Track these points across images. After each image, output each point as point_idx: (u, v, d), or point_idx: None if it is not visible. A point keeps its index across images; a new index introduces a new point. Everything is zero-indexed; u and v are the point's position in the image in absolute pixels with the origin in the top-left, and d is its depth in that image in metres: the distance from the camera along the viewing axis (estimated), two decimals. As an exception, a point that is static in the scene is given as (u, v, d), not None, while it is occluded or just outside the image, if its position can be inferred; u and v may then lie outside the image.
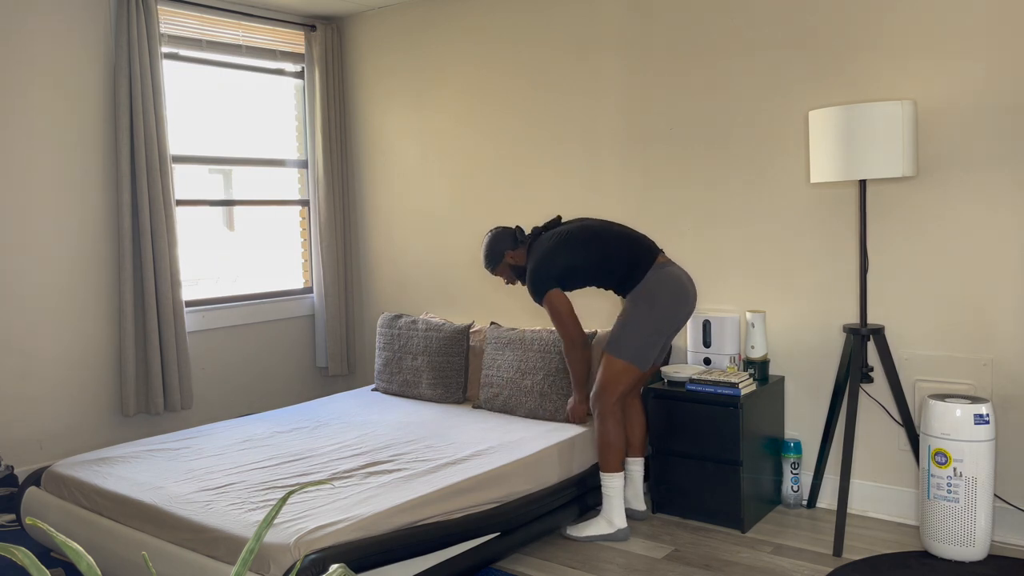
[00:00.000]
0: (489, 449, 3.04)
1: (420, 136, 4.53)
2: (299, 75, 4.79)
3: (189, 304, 4.21)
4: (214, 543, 2.34)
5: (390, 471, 2.78)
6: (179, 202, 4.18)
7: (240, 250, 4.56)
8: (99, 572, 0.95)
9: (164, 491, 2.66)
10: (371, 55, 4.70)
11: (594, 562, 2.86)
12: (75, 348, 3.79)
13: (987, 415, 2.67)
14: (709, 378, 3.16)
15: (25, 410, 3.64)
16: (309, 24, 4.67)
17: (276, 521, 2.37)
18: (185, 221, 4.29)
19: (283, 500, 1.16)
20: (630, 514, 3.23)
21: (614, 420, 3.02)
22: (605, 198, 3.85)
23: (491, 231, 3.32)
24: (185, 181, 4.31)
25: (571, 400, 3.33)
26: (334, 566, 1.22)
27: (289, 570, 2.19)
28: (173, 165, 4.12)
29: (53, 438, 3.73)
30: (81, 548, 0.95)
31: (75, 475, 2.87)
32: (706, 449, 3.16)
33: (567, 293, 3.65)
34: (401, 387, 4.00)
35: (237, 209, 4.55)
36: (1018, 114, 2.84)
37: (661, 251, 3.15)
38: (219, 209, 4.48)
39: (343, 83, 4.83)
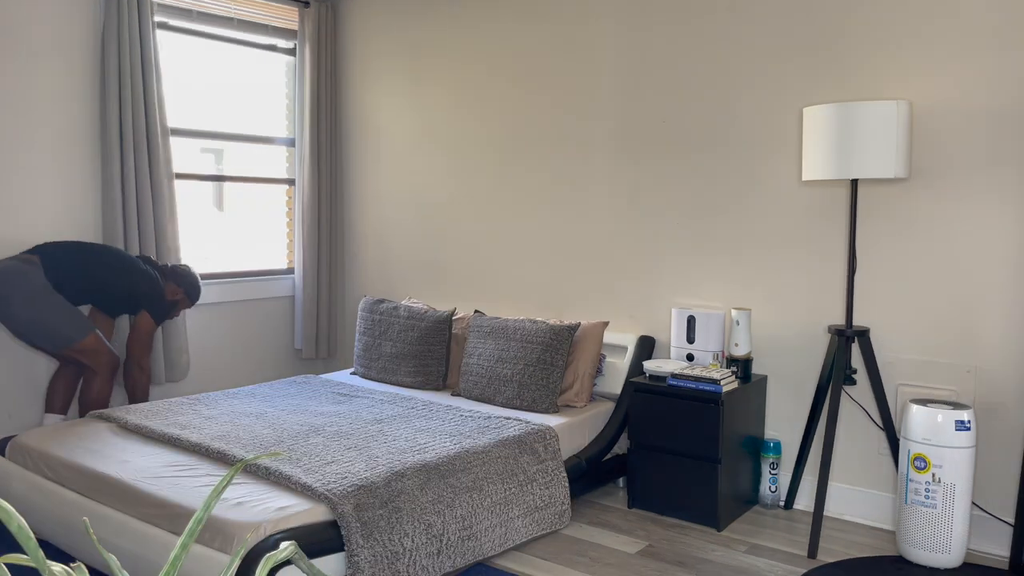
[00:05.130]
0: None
1: (412, 119, 4.48)
2: (291, 52, 4.72)
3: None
4: (177, 518, 2.29)
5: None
6: (178, 175, 4.12)
7: (229, 229, 4.49)
8: (31, 534, 0.90)
9: (130, 465, 2.61)
10: (365, 34, 4.64)
11: (566, 555, 2.82)
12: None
13: (968, 422, 2.64)
14: (691, 374, 3.13)
15: (-5, 379, 3.59)
16: (303, 0, 4.60)
17: (244, 500, 2.32)
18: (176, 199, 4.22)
19: (235, 470, 1.11)
20: None
21: None
22: (595, 188, 3.81)
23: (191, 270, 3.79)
24: (176, 159, 4.23)
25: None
26: (285, 543, 1.18)
27: (255, 549, 2.14)
28: (173, 138, 4.06)
29: (25, 409, 3.66)
30: (12, 508, 0.90)
31: (39, 446, 2.80)
32: (685, 445, 3.12)
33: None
34: (380, 373, 3.95)
35: (227, 188, 4.48)
36: (1012, 120, 2.81)
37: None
38: (209, 188, 4.42)
39: (335, 62, 4.77)
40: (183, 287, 3.75)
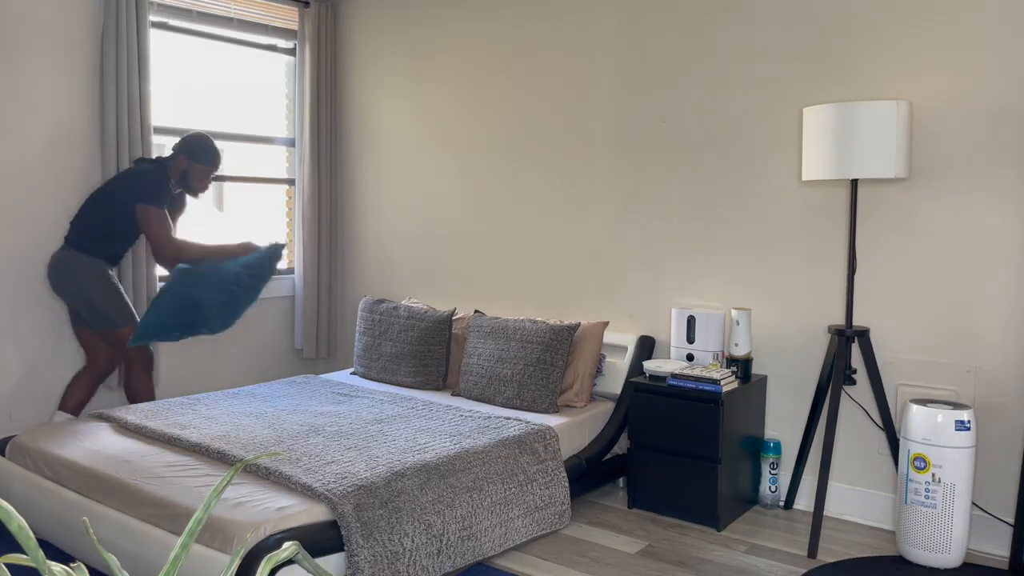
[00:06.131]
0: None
1: (412, 118, 4.47)
2: (291, 52, 4.72)
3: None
4: (177, 518, 2.29)
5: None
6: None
7: (229, 229, 4.50)
8: (31, 534, 0.90)
9: (130, 465, 2.61)
10: (365, 35, 4.64)
11: (566, 555, 2.82)
12: (53, 318, 3.71)
13: (968, 422, 2.64)
14: (691, 374, 3.13)
15: (-5, 379, 3.59)
16: (303, 0, 4.60)
17: (244, 500, 2.32)
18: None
19: (235, 470, 1.11)
20: None
21: None
22: (595, 188, 3.81)
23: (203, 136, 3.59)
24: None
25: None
26: (287, 544, 1.18)
27: (255, 548, 2.14)
28: (157, 137, 4.06)
29: (25, 409, 3.66)
30: (12, 508, 0.90)
31: (39, 446, 2.80)
32: (685, 445, 3.12)
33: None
34: (380, 373, 3.95)
35: (227, 188, 4.48)
36: (1012, 120, 2.81)
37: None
38: (209, 188, 4.40)
39: (335, 62, 4.77)
40: (185, 152, 3.53)
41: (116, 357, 3.55)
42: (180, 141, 3.57)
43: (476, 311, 3.94)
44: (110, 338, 3.44)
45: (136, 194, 3.41)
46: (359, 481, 2.43)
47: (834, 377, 2.93)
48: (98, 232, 3.43)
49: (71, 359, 3.81)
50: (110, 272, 3.46)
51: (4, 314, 3.58)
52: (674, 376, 3.17)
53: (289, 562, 2.11)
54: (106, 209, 3.44)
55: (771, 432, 3.39)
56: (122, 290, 3.49)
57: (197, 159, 3.55)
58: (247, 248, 3.54)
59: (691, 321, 3.40)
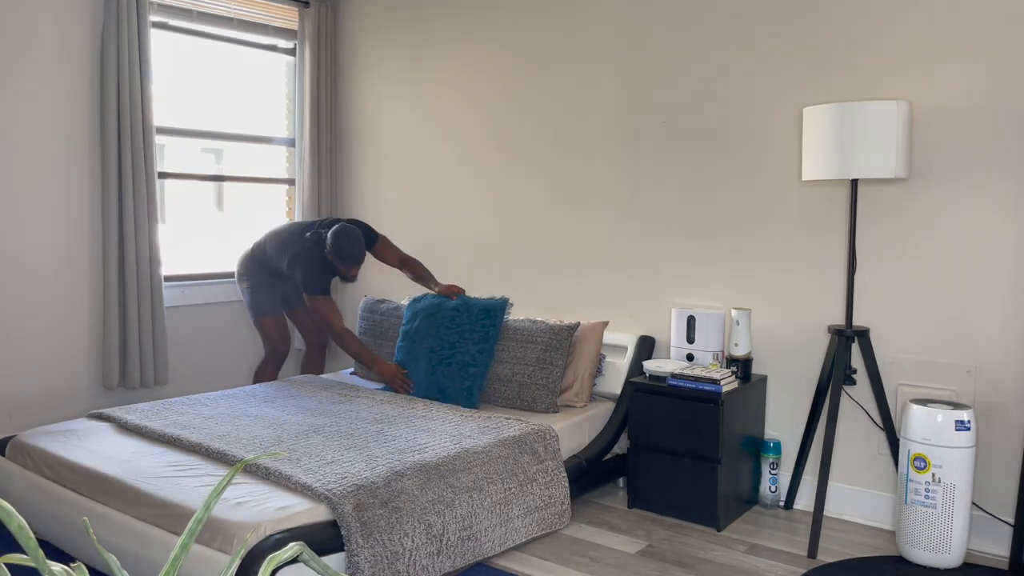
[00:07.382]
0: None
1: (411, 118, 4.47)
2: (291, 52, 4.72)
3: (169, 279, 4.15)
4: (177, 518, 2.29)
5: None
6: (162, 175, 4.12)
7: (229, 229, 4.50)
8: (31, 534, 0.90)
9: (130, 465, 2.61)
10: (365, 34, 4.64)
11: (566, 555, 2.82)
12: (55, 318, 3.72)
13: (968, 422, 2.64)
14: (691, 374, 3.13)
15: (-5, 379, 3.58)
16: (303, 0, 4.60)
17: (244, 500, 2.32)
18: (177, 198, 4.23)
19: (235, 470, 1.11)
20: None
21: None
22: (595, 188, 3.81)
23: (349, 227, 3.69)
24: (177, 159, 4.24)
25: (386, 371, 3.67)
26: (291, 544, 1.18)
27: (255, 548, 2.14)
28: (157, 137, 4.06)
29: (25, 409, 3.66)
30: (12, 508, 0.90)
31: (39, 445, 2.80)
32: (685, 445, 3.12)
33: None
34: (380, 372, 3.95)
35: (227, 188, 4.48)
36: (1012, 120, 2.81)
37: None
38: (210, 188, 4.42)
39: (335, 62, 4.77)
40: (331, 252, 3.68)
41: (313, 343, 4.25)
42: (329, 237, 3.66)
43: (476, 311, 3.94)
44: (256, 328, 4.13)
45: (300, 280, 3.75)
46: (359, 481, 2.43)
47: (834, 377, 2.93)
48: (263, 258, 3.94)
49: (71, 360, 3.81)
50: (262, 276, 3.98)
51: (9, 317, 3.58)
52: (674, 376, 3.17)
53: (291, 562, 2.11)
54: (278, 258, 3.87)
55: (771, 432, 3.39)
56: (263, 292, 4.01)
57: (340, 259, 3.69)
58: (387, 370, 3.64)
59: (691, 321, 3.40)
